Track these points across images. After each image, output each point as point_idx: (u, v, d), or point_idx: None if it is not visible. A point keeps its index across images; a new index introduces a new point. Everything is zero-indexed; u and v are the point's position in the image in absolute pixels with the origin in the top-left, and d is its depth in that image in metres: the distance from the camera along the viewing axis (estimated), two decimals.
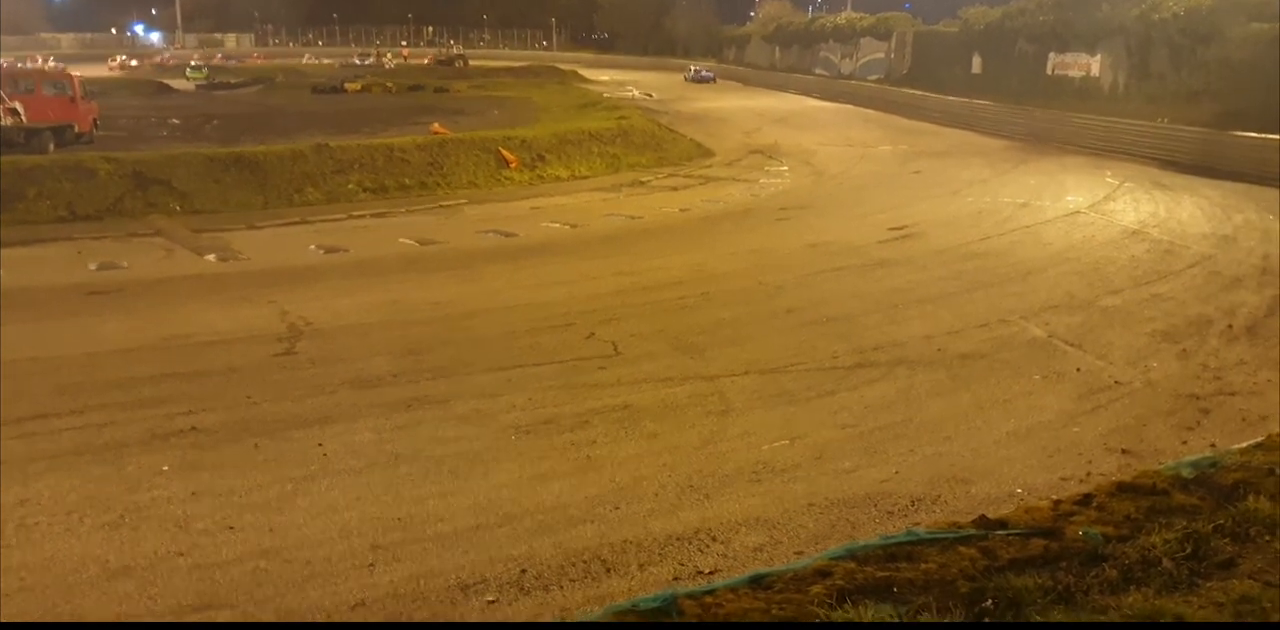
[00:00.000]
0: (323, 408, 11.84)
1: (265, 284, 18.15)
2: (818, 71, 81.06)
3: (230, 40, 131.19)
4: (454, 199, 28.41)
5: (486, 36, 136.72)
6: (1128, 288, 17.95)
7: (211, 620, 7.39)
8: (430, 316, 16.03)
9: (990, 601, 6.70)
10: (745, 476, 10.07)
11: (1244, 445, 10.05)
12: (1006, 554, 7.37)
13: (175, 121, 42.59)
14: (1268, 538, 7.60)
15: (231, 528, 8.85)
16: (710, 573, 8.06)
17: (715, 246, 22.05)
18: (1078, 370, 13.46)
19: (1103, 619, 6.42)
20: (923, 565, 7.20)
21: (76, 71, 38.68)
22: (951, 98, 54.64)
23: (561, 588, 7.90)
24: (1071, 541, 7.56)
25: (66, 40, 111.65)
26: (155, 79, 70.56)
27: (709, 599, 6.84)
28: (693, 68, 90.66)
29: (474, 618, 7.47)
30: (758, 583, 7.14)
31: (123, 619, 7.40)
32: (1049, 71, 51.76)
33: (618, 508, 9.35)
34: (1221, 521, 7.83)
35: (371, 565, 8.24)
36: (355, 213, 26.03)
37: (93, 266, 19.70)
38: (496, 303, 16.89)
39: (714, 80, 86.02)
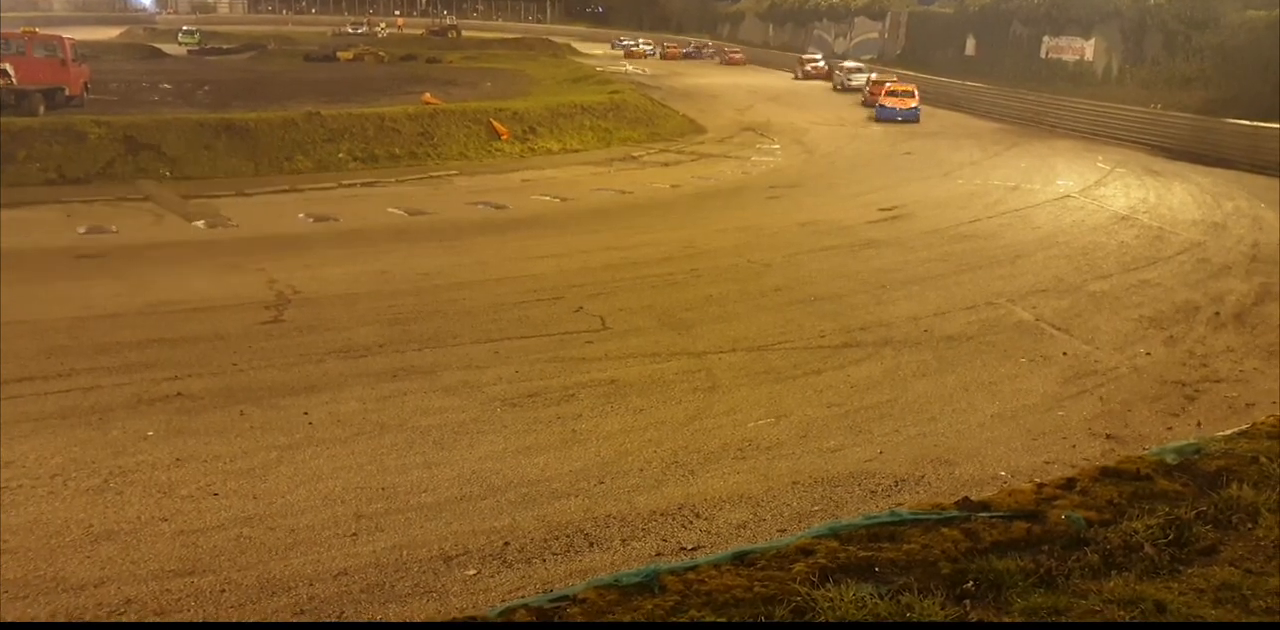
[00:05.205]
0: (309, 376, 11.83)
1: (254, 251, 18.09)
2: (811, 50, 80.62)
3: (223, 6, 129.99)
4: (444, 170, 28.34)
5: (480, 7, 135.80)
6: (1116, 273, 17.96)
7: (194, 586, 7.39)
8: (418, 287, 15.98)
9: (972, 583, 6.73)
10: (730, 453, 10.09)
11: (1228, 432, 10.08)
12: (989, 536, 7.40)
13: (167, 86, 42.26)
14: (1249, 525, 7.64)
15: (215, 494, 8.86)
16: (693, 549, 8.10)
17: (705, 223, 22.02)
18: (1064, 354, 13.49)
19: (1083, 603, 6.45)
20: (905, 546, 7.24)
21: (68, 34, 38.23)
22: (944, 79, 54.49)
23: (544, 561, 7.91)
24: (1054, 525, 7.59)
25: (59, 3, 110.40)
26: (147, 43, 70.07)
27: (691, 575, 6.87)
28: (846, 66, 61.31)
29: (456, 590, 7.48)
30: (740, 560, 7.16)
31: (105, 582, 7.40)
32: (1043, 55, 51.71)
33: (602, 482, 9.37)
34: (1204, 508, 7.87)
35: (354, 534, 8.25)
36: (345, 182, 25.98)
37: (81, 230, 19.61)
38: (485, 274, 16.86)
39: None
